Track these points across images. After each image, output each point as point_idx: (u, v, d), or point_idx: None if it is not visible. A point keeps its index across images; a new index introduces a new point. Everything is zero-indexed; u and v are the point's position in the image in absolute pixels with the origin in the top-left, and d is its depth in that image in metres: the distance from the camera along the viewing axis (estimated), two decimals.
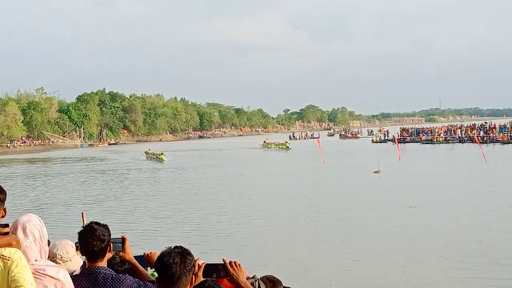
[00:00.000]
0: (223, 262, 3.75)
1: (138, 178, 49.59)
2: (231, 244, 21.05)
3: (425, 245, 19.73)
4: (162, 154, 73.00)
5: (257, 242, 21.37)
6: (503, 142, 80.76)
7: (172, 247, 3.49)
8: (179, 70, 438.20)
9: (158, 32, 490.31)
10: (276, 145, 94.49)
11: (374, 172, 44.32)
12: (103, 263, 3.89)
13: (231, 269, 3.68)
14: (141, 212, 29.87)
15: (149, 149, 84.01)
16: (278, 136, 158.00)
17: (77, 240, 4.70)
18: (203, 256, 3.98)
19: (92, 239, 3.88)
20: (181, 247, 3.50)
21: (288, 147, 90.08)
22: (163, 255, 3.45)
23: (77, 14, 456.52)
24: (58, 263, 4.33)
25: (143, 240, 21.87)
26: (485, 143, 74.83)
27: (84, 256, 4.05)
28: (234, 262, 3.73)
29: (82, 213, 8.93)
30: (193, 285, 3.56)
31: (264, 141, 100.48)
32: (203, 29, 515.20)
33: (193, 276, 3.70)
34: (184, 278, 3.41)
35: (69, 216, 28.16)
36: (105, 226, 3.95)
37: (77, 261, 4.62)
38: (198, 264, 3.76)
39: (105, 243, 3.88)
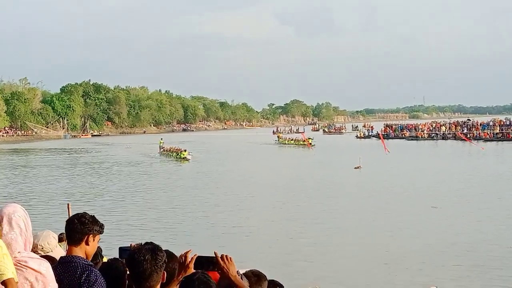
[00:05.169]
0: (214, 256, 3.72)
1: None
2: (216, 238, 21.01)
3: (415, 246, 19.78)
4: (185, 151, 59.80)
5: (241, 237, 21.41)
6: (486, 140, 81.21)
7: (142, 244, 3.47)
8: (165, 63, 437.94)
9: (145, 25, 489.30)
10: (296, 141, 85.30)
11: (355, 168, 44.54)
12: (78, 252, 3.86)
13: (222, 263, 3.65)
14: (134, 205, 29.80)
15: (161, 139, 73.83)
16: (262, 130, 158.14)
17: (60, 232, 4.66)
18: (193, 249, 3.94)
19: (74, 217, 3.95)
20: (151, 243, 3.48)
21: (311, 143, 75.62)
22: (133, 252, 3.43)
23: (63, 5, 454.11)
24: (39, 253, 4.29)
25: (131, 231, 21.81)
26: (468, 140, 75.28)
27: (66, 248, 4.01)
28: (226, 255, 3.70)
29: (68, 204, 8.86)
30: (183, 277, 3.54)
31: (279, 137, 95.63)
32: (189, 23, 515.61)
33: (185, 268, 3.68)
34: (155, 275, 3.40)
35: (54, 208, 28.00)
36: (92, 217, 3.97)
37: (58, 252, 4.57)
38: (189, 256, 3.74)
39: (83, 226, 3.88)
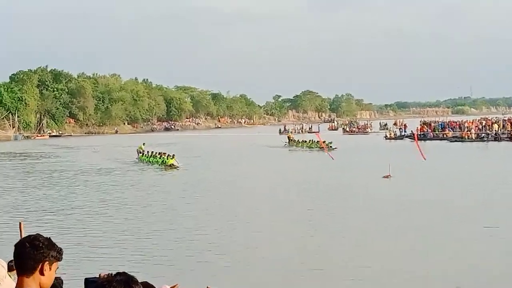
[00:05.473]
0: None
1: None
2: (208, 266, 21.02)
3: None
4: (173, 157, 58.84)
5: (239, 266, 21.52)
6: None
7: (113, 274, 3.49)
8: (142, 45, 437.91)
9: None
10: (309, 143, 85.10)
11: (384, 177, 44.57)
12: (31, 284, 3.89)
13: None
14: (103, 225, 29.76)
15: (143, 144, 70.69)
16: (266, 129, 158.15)
17: (10, 260, 4.65)
18: (180, 283, 3.92)
19: (24, 240, 4.01)
20: (125, 273, 3.51)
21: (331, 147, 74.32)
22: (102, 284, 3.43)
23: None
24: None
25: (100, 259, 21.82)
26: None
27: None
28: None
29: (20, 223, 8.84)
30: None
31: (290, 138, 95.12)
32: None
33: None
34: None
35: (1, 228, 27.98)
36: (48, 239, 4.01)
37: (8, 284, 4.57)
38: None
39: (37, 251, 3.92)
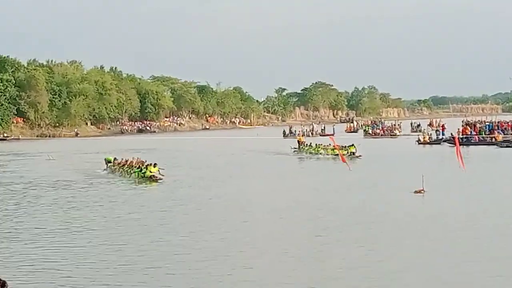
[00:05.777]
0: None
1: None
2: None
3: None
4: (155, 166, 57.14)
5: None
6: None
7: None
8: (109, 24, 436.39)
9: None
10: (323, 148, 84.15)
11: (415, 192, 44.61)
12: None
13: None
14: (61, 253, 29.60)
15: (114, 160, 66.62)
16: (267, 130, 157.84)
17: None
18: None
19: None
20: None
21: (353, 153, 76.26)
22: None
23: None
24: None
25: None
26: None
27: None
28: None
29: None
30: None
31: (300, 141, 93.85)
32: None
33: None
34: None
35: None
36: None
37: None
38: None
39: None
